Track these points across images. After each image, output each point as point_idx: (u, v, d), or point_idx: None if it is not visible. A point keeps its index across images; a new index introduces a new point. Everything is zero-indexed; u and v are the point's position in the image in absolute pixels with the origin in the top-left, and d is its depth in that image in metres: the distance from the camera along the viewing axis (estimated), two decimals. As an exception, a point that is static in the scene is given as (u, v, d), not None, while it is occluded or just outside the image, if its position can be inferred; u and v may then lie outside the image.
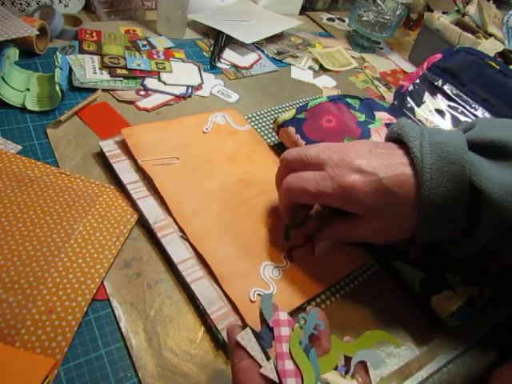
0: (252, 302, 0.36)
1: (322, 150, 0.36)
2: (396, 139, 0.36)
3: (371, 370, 0.28)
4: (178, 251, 0.38)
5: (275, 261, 0.39)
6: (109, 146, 0.46)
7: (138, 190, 0.42)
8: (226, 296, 0.36)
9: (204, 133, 0.50)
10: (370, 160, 0.34)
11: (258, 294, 0.36)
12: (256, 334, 0.27)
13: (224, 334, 0.33)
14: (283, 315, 0.28)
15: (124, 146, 0.47)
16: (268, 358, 0.26)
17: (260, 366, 0.26)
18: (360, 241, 0.38)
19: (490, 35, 0.75)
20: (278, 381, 0.25)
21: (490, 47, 0.71)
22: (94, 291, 0.34)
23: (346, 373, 0.27)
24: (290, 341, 0.27)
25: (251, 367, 0.26)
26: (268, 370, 0.26)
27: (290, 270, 0.39)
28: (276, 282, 0.38)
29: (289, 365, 0.26)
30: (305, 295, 0.38)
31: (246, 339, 0.26)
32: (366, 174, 0.33)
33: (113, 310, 0.34)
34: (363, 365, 0.27)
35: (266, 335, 0.27)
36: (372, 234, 0.36)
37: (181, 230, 0.40)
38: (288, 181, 0.37)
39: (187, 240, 0.39)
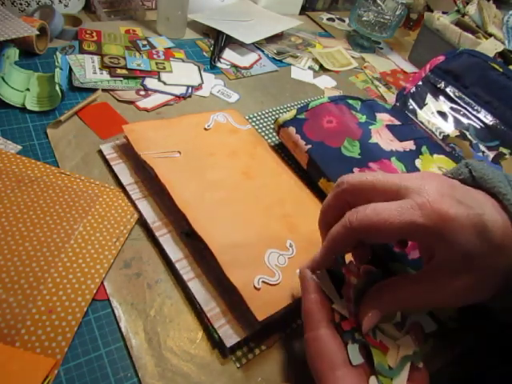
0: (257, 289, 0.35)
1: (396, 176, 0.29)
2: (464, 181, 0.30)
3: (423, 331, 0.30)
4: (176, 250, 0.38)
5: (280, 248, 0.39)
6: (108, 150, 0.46)
7: (136, 190, 0.43)
8: (225, 293, 0.36)
9: (205, 129, 0.50)
10: (462, 193, 0.27)
11: (263, 282, 0.36)
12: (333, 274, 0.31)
13: (220, 333, 0.33)
14: (353, 267, 0.32)
15: (123, 149, 0.47)
16: (341, 297, 0.30)
17: (332, 302, 0.30)
18: (431, 307, 0.32)
19: (490, 35, 0.75)
20: (348, 316, 0.29)
21: (490, 47, 0.71)
22: (94, 291, 0.34)
23: (402, 328, 0.30)
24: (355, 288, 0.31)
25: (318, 300, 0.30)
26: (340, 305, 0.29)
27: (295, 257, 0.39)
28: (282, 270, 0.37)
29: (354, 308, 0.29)
30: None
31: (322, 278, 0.31)
32: (464, 205, 0.26)
33: (113, 310, 0.34)
34: (418, 325, 0.30)
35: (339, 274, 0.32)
36: (458, 293, 0.27)
37: (183, 217, 0.39)
38: (360, 212, 0.28)
39: (186, 235, 0.39)
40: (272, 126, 0.58)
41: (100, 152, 0.46)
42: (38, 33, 0.54)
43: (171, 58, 0.64)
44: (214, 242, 0.37)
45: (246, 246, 0.38)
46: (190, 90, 0.60)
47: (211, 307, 0.35)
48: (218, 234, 0.38)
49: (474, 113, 0.56)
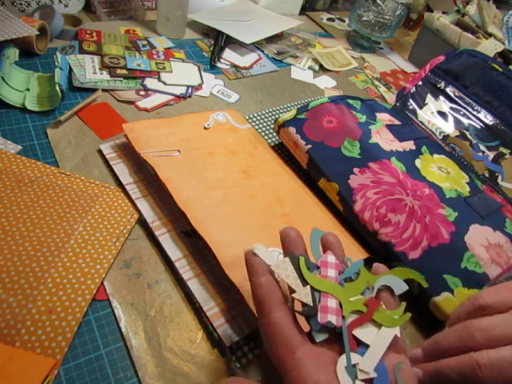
0: None
1: None
2: None
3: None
4: (175, 249, 0.38)
5: (280, 247, 0.39)
6: (108, 150, 0.46)
7: (136, 190, 0.43)
8: (224, 292, 0.36)
9: (205, 128, 0.50)
10: None
11: None
12: (307, 263, 0.28)
13: (220, 332, 0.33)
14: (331, 258, 0.29)
15: (123, 149, 0.47)
16: (305, 285, 0.27)
17: (294, 291, 0.27)
18: None
19: (490, 35, 0.75)
20: (311, 304, 0.26)
21: (489, 47, 0.71)
22: (94, 291, 0.34)
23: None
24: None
25: (268, 282, 0.28)
26: (302, 294, 0.27)
27: None
28: None
29: (331, 303, 0.27)
30: None
31: (281, 267, 0.28)
32: None
33: (113, 310, 0.34)
34: (389, 289, 0.29)
35: (311, 266, 0.29)
36: None
37: (183, 216, 0.39)
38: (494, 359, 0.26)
39: (185, 234, 0.39)
40: (272, 126, 0.58)
41: (100, 152, 0.46)
42: (37, 33, 0.54)
43: (171, 58, 0.64)
44: (214, 240, 0.37)
45: (246, 244, 0.38)
46: (190, 90, 0.60)
47: (210, 306, 0.35)
48: (218, 233, 0.38)
49: (474, 113, 0.56)
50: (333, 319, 0.26)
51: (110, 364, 0.31)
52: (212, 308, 0.35)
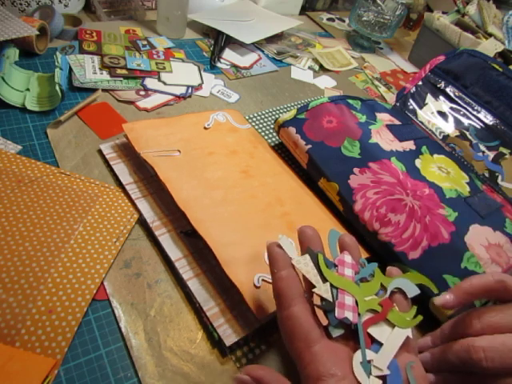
0: (257, 287, 0.35)
1: None
2: None
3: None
4: (175, 249, 0.38)
5: None
6: (108, 149, 0.46)
7: (136, 190, 0.43)
8: (224, 292, 0.36)
9: (205, 128, 0.50)
10: None
11: (263, 280, 0.36)
12: (325, 260, 0.29)
13: (220, 332, 0.33)
14: (348, 258, 0.30)
15: (123, 149, 0.47)
16: (325, 281, 0.28)
17: (314, 286, 0.28)
18: None
19: (490, 35, 0.75)
20: (331, 300, 0.27)
21: (489, 47, 0.71)
22: (94, 291, 0.34)
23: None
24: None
25: (289, 276, 0.28)
26: (322, 290, 0.28)
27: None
28: None
29: (348, 300, 0.28)
30: None
31: (302, 263, 0.29)
32: None
33: (113, 310, 0.34)
34: (401, 292, 0.30)
35: (329, 263, 0.29)
36: None
37: (183, 216, 0.39)
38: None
39: (185, 234, 0.39)
40: (272, 126, 0.58)
41: (100, 152, 0.46)
42: (37, 33, 0.54)
43: (171, 58, 0.64)
44: (214, 240, 0.37)
45: (246, 244, 0.38)
46: (189, 90, 0.60)
47: (210, 306, 0.35)
48: (218, 233, 0.38)
49: (474, 113, 0.56)
50: (349, 315, 0.27)
51: (110, 364, 0.31)
52: (212, 308, 0.35)
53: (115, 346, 0.32)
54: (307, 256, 0.29)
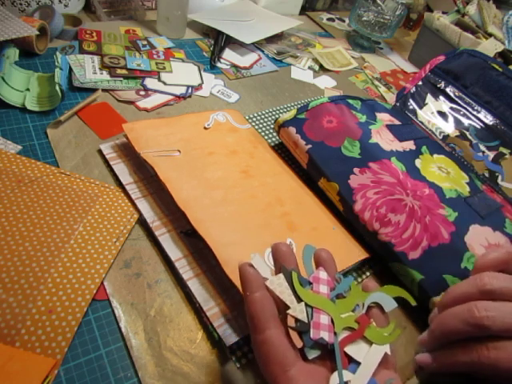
0: None
1: None
2: None
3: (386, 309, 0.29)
4: (175, 249, 0.38)
5: None
6: (108, 149, 0.46)
7: (136, 190, 0.43)
8: (224, 292, 0.36)
9: (205, 128, 0.50)
10: None
11: None
12: (299, 278, 0.28)
13: (220, 332, 0.33)
14: (323, 274, 0.29)
15: (123, 148, 0.47)
16: (299, 301, 0.27)
17: (288, 308, 0.27)
18: None
19: (490, 35, 0.75)
20: (306, 321, 0.26)
21: (489, 47, 0.71)
22: (94, 291, 0.34)
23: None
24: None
25: (263, 298, 0.27)
26: (297, 311, 0.27)
27: None
28: None
29: (324, 319, 0.27)
30: None
31: (276, 283, 0.28)
32: None
33: (113, 310, 0.34)
34: (379, 306, 0.29)
35: (303, 281, 0.29)
36: None
37: (183, 216, 0.39)
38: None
39: (185, 234, 0.39)
40: (272, 126, 0.58)
41: (100, 152, 0.46)
42: (37, 33, 0.54)
43: (171, 58, 0.64)
44: (214, 240, 0.37)
45: (246, 244, 0.38)
46: (190, 90, 0.60)
47: (210, 306, 0.35)
48: (218, 233, 0.38)
49: (474, 113, 0.56)
50: (325, 335, 0.26)
51: (110, 364, 0.31)
52: (212, 308, 0.35)
53: (115, 346, 0.32)
54: (281, 275, 0.28)
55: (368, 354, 0.27)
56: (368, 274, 0.43)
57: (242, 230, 0.40)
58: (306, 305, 0.27)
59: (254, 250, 0.38)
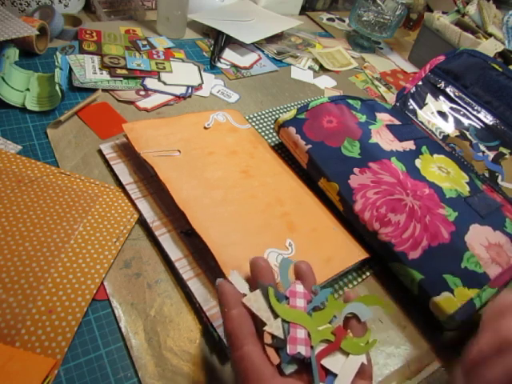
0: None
1: None
2: None
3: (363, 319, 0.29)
4: (175, 249, 0.38)
5: (280, 247, 0.39)
6: (108, 149, 0.46)
7: (136, 190, 0.43)
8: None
9: (205, 128, 0.50)
10: None
11: None
12: (277, 293, 0.28)
13: (220, 332, 0.33)
14: (300, 288, 0.29)
15: (123, 148, 0.47)
16: (276, 317, 0.27)
17: (264, 324, 0.27)
18: None
19: (490, 35, 0.75)
20: (282, 337, 0.27)
21: (489, 47, 0.71)
22: (94, 291, 0.34)
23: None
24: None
25: (240, 315, 0.27)
26: (273, 327, 0.27)
27: (294, 257, 0.39)
28: None
29: (300, 334, 0.27)
30: None
31: (253, 300, 0.28)
32: None
33: (113, 310, 0.34)
34: (356, 316, 0.29)
35: (280, 296, 0.29)
36: None
37: (183, 215, 0.39)
38: None
39: (185, 234, 0.39)
40: (272, 126, 0.58)
41: (100, 152, 0.46)
42: (37, 33, 0.54)
43: (171, 58, 0.64)
44: (213, 241, 0.37)
45: (245, 245, 0.38)
46: (190, 90, 0.60)
47: (210, 306, 0.35)
48: (218, 234, 0.38)
49: (474, 113, 0.56)
50: (302, 350, 0.26)
51: (110, 364, 0.31)
52: (212, 308, 0.35)
53: (115, 345, 0.32)
54: (258, 292, 0.29)
55: (344, 365, 0.27)
56: (368, 273, 0.43)
57: (242, 230, 0.40)
58: (283, 320, 0.27)
59: (253, 251, 0.38)
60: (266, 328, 0.27)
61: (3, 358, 0.28)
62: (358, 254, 0.42)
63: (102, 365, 0.31)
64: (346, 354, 0.27)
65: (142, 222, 0.41)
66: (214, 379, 0.32)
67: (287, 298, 0.29)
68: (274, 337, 0.27)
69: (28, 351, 0.30)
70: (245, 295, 0.29)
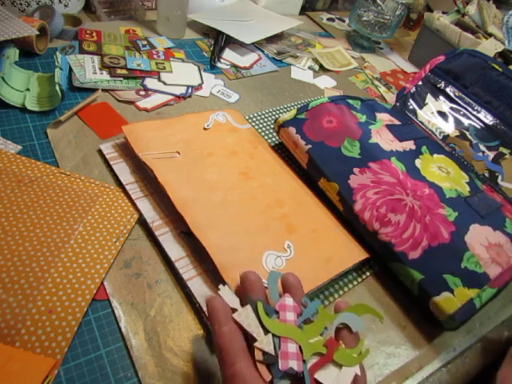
0: None
1: None
2: None
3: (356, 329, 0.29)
4: (175, 249, 0.38)
5: (278, 250, 0.39)
6: (108, 149, 0.46)
7: (136, 189, 0.43)
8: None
9: (205, 129, 0.50)
10: None
11: None
12: (266, 308, 0.28)
13: None
14: (289, 301, 0.29)
15: (123, 148, 0.47)
16: (266, 332, 0.27)
17: (255, 340, 0.27)
18: None
19: (490, 35, 0.75)
20: (273, 353, 0.26)
21: (489, 47, 0.71)
22: (94, 291, 0.34)
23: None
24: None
25: (231, 331, 0.27)
26: (264, 343, 0.27)
27: (293, 259, 0.39)
28: None
29: (292, 348, 0.27)
30: (308, 285, 0.37)
31: (243, 315, 0.28)
32: None
33: (113, 310, 0.34)
34: (348, 326, 0.29)
35: (269, 310, 0.28)
36: None
37: (181, 218, 0.39)
38: None
39: (185, 234, 0.39)
40: (272, 126, 0.58)
41: (100, 152, 0.46)
42: (37, 33, 0.54)
43: (171, 58, 0.64)
44: (212, 243, 0.37)
45: (244, 247, 0.38)
46: (190, 90, 0.60)
47: None
48: (216, 236, 0.38)
49: (474, 113, 0.56)
50: (294, 365, 0.26)
51: (110, 364, 0.31)
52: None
53: (115, 345, 0.32)
54: (248, 307, 0.28)
55: (338, 378, 0.26)
56: (368, 273, 0.43)
57: (241, 232, 0.40)
58: (273, 335, 0.27)
59: (251, 254, 0.38)
60: (256, 344, 0.27)
61: (3, 358, 0.28)
62: (358, 254, 0.42)
63: (102, 365, 0.31)
64: (339, 366, 0.27)
65: (141, 221, 0.41)
66: (213, 379, 0.32)
67: (277, 312, 0.28)
68: (264, 353, 0.26)
69: (28, 351, 0.30)
70: (235, 310, 0.29)
